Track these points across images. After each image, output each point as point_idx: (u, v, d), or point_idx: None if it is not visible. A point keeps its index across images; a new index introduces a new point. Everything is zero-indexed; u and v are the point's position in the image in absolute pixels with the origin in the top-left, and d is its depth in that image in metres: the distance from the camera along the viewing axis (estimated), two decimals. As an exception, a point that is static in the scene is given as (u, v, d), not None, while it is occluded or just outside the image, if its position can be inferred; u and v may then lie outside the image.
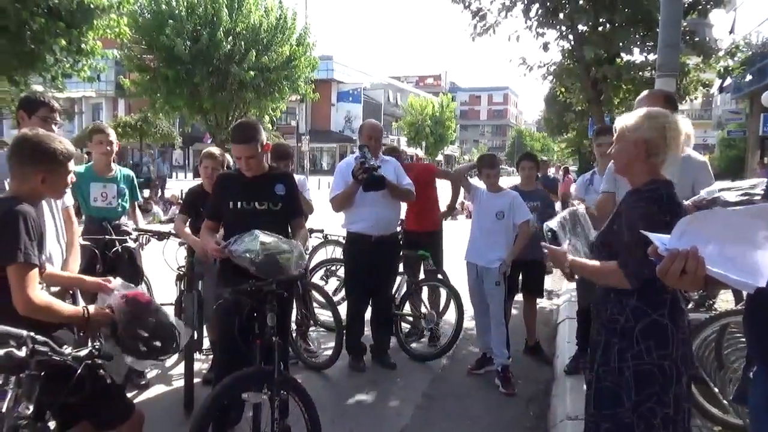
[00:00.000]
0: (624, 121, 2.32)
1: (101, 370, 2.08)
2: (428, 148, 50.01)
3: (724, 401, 3.74)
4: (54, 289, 2.42)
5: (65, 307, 2.18)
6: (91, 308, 2.22)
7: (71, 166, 2.29)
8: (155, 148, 34.26)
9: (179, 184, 23.37)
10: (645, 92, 3.57)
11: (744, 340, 3.86)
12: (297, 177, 5.30)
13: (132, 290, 2.35)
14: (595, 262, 2.30)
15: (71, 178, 2.32)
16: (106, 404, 2.22)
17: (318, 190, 25.54)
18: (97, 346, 1.98)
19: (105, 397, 2.18)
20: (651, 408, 2.18)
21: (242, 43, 21.95)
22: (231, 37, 21.74)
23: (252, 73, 21.74)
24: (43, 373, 1.86)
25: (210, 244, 3.11)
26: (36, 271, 2.06)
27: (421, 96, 57.38)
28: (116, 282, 2.40)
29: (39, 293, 2.05)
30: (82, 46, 12.19)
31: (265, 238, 2.82)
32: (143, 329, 2.23)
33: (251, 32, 22.36)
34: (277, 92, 23.96)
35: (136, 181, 4.69)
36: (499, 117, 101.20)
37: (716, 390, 3.84)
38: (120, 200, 4.42)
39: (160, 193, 20.06)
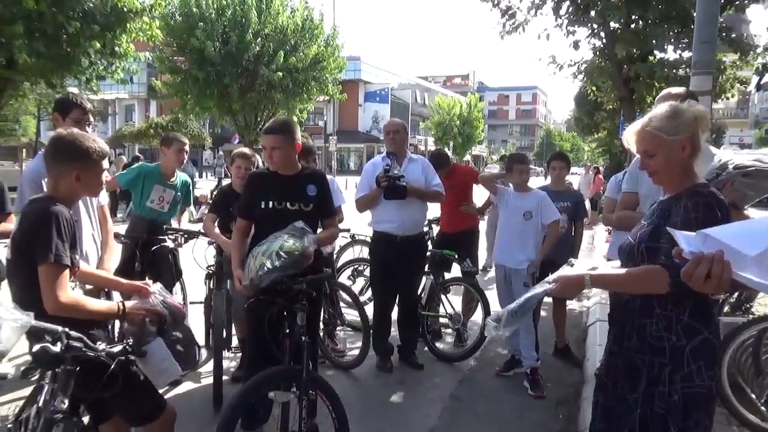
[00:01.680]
0: (654, 125, 2.07)
1: (134, 367, 2.12)
2: (456, 148, 49.70)
3: (762, 408, 3.63)
4: (88, 286, 2.47)
5: (97, 303, 2.22)
6: (129, 304, 2.25)
7: (105, 164, 2.33)
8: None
9: (209, 184, 23.70)
10: (664, 91, 3.43)
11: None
12: (330, 180, 5.35)
13: (170, 298, 2.39)
14: (623, 270, 2.11)
15: (106, 176, 2.36)
16: (138, 400, 2.25)
17: (345, 189, 25.77)
18: (130, 343, 2.01)
19: (137, 393, 2.21)
20: (689, 428, 2.00)
21: (270, 44, 22.14)
22: (259, 39, 21.96)
23: (280, 74, 21.92)
24: (77, 369, 1.89)
25: (237, 272, 3.07)
26: (66, 271, 2.10)
27: (448, 96, 57.15)
28: (155, 286, 2.44)
29: (67, 293, 2.09)
30: (116, 48, 12.47)
31: (265, 248, 2.85)
32: (179, 332, 2.28)
33: (279, 33, 22.55)
34: (305, 93, 24.13)
35: (192, 187, 4.81)
36: (528, 117, 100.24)
37: (754, 396, 3.74)
38: (173, 206, 4.52)
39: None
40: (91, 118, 3.43)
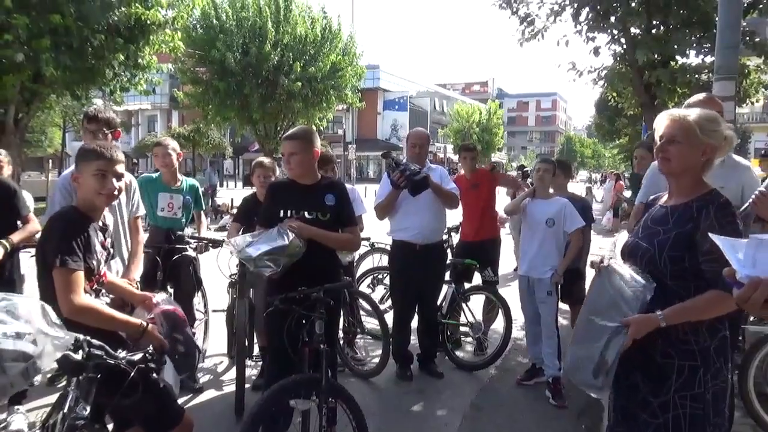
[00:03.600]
0: (693, 119, 2.07)
1: (153, 375, 2.14)
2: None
3: (791, 419, 3.55)
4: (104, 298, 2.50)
5: (117, 314, 2.27)
6: (151, 326, 2.29)
7: (120, 169, 2.37)
8: (207, 158, 35.25)
9: (230, 193, 23.93)
10: (702, 96, 3.41)
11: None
12: (351, 189, 5.38)
13: (172, 306, 2.42)
14: (690, 301, 1.99)
15: (120, 184, 2.39)
16: (156, 408, 2.27)
17: (364, 197, 25.66)
18: (150, 351, 2.04)
19: (157, 401, 2.23)
20: (719, 424, 2.07)
21: (290, 54, 22.39)
22: (278, 49, 22.22)
23: (299, 83, 22.13)
24: (99, 376, 1.92)
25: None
26: (77, 275, 2.17)
27: (467, 103, 57.08)
28: (159, 296, 2.48)
29: (80, 297, 2.15)
30: (139, 60, 12.67)
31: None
32: (179, 335, 2.31)
33: (298, 43, 22.79)
34: (324, 102, 24.32)
35: (200, 191, 4.85)
36: (548, 123, 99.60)
37: (782, 407, 3.66)
38: (184, 211, 4.56)
39: (210, 202, 20.58)
40: (106, 129, 3.50)
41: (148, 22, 12.05)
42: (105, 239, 2.45)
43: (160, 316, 2.33)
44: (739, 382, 3.62)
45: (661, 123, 2.14)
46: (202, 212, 4.91)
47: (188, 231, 4.70)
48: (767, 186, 2.79)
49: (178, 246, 4.41)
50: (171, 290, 4.39)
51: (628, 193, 18.70)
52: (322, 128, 28.88)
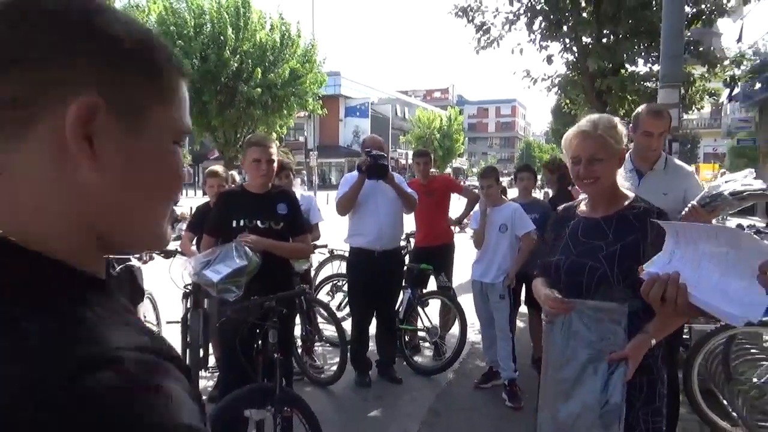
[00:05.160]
0: (602, 131, 2.01)
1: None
2: (436, 161, 50.01)
3: (733, 413, 3.70)
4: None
5: None
6: None
7: None
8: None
9: (189, 202, 23.54)
10: (646, 107, 3.42)
11: (753, 351, 3.85)
12: (306, 196, 5.37)
13: None
14: (662, 315, 1.79)
15: None
16: None
17: (326, 204, 25.55)
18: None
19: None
20: None
21: (249, 61, 22.24)
22: (238, 56, 22.06)
23: (259, 90, 22.00)
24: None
25: None
26: None
27: (428, 109, 57.59)
28: None
29: None
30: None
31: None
32: None
33: (257, 50, 22.66)
34: (285, 109, 24.22)
35: None
36: (508, 129, 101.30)
37: (725, 402, 3.80)
38: None
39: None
40: None
41: (101, 28, 11.84)
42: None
43: None
44: (684, 378, 3.75)
45: (572, 143, 2.06)
46: None
47: None
48: (699, 200, 2.88)
49: (119, 257, 4.33)
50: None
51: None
52: (282, 135, 28.71)
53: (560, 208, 2.34)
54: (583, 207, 2.20)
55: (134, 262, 4.40)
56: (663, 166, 3.32)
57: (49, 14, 0.55)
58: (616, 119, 2.11)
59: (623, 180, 2.14)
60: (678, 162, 3.56)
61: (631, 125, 3.35)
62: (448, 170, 55.52)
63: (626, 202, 2.09)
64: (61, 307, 0.51)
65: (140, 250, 0.75)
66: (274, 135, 25.34)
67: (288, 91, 23.68)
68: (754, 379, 3.46)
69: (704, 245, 1.37)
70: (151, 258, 4.55)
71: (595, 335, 1.92)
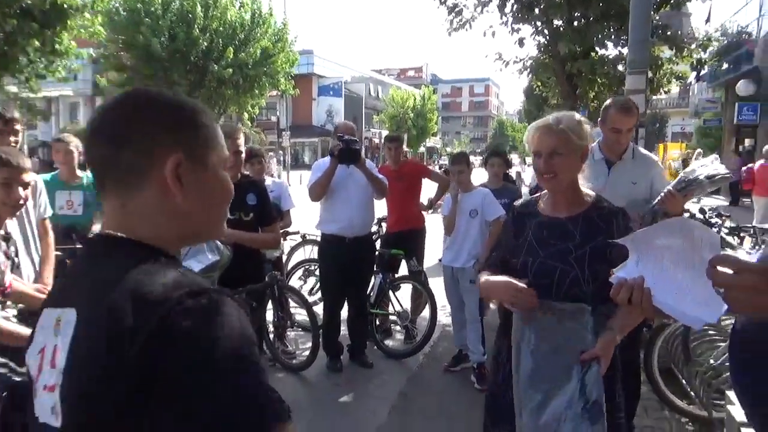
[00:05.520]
0: (565, 125, 2.01)
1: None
2: (410, 140, 50.01)
3: (691, 392, 3.84)
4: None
5: (12, 328, 2.12)
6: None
7: (26, 178, 2.29)
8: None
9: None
10: (615, 102, 3.42)
11: (711, 333, 3.99)
12: (278, 182, 5.33)
13: None
14: (625, 308, 1.75)
15: (26, 193, 2.31)
16: None
17: (300, 185, 25.32)
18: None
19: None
20: None
21: (219, 40, 21.83)
22: (208, 34, 21.62)
23: (230, 70, 21.63)
24: (5, 394, 1.87)
25: None
26: None
27: (402, 89, 57.33)
28: None
29: None
30: (56, 46, 12.03)
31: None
32: None
33: (228, 29, 22.24)
34: (256, 88, 23.88)
35: None
36: (481, 108, 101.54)
37: (683, 382, 3.94)
38: (86, 208, 4.42)
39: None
40: (18, 127, 3.36)
41: (65, 5, 11.44)
42: (8, 248, 2.37)
43: None
44: (645, 358, 3.87)
45: (534, 137, 2.06)
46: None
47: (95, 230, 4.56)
48: (675, 185, 3.00)
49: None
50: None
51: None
52: (254, 115, 28.35)
53: (518, 204, 2.29)
54: (543, 205, 2.17)
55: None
56: (631, 155, 3.41)
57: (144, 107, 0.94)
58: (583, 118, 2.10)
59: (585, 179, 2.13)
60: (644, 151, 3.65)
61: (600, 118, 3.43)
62: (422, 149, 55.62)
63: (589, 202, 2.10)
64: (169, 267, 0.88)
65: (217, 234, 1.08)
66: (246, 115, 25.04)
67: (260, 71, 23.33)
68: (711, 361, 3.58)
69: (663, 241, 1.40)
70: None
71: (562, 337, 1.92)
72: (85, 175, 4.52)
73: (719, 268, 1.04)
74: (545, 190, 2.18)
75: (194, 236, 1.05)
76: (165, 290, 0.82)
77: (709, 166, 3.06)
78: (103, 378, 0.78)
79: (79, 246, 4.25)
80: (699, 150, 20.44)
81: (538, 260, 2.05)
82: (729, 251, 5.24)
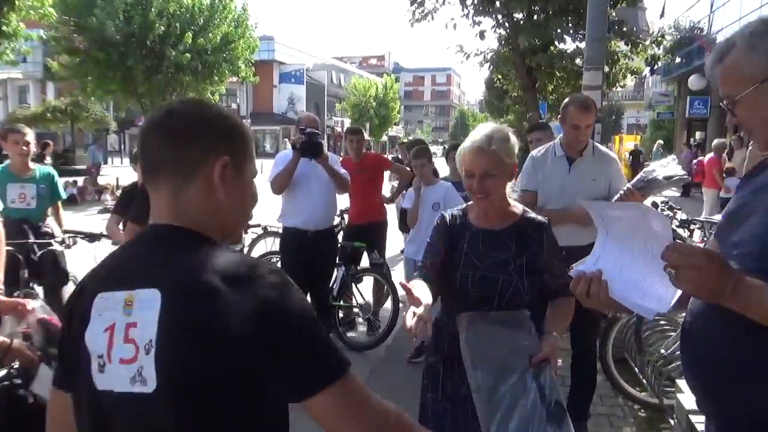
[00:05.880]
0: (496, 147, 2.04)
1: (21, 390, 2.04)
2: (372, 129, 49.93)
3: (643, 380, 3.99)
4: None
5: None
6: (16, 342, 2.13)
7: None
8: (89, 133, 32.88)
9: (116, 171, 22.58)
10: (574, 101, 3.49)
11: (663, 323, 4.14)
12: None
13: (49, 316, 2.29)
14: (559, 309, 2.15)
15: None
16: (27, 426, 2.16)
17: (261, 174, 24.84)
18: (15, 366, 1.94)
19: (28, 418, 2.13)
20: None
21: (177, 24, 21.25)
22: (164, 18, 21.01)
23: (188, 55, 21.11)
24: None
25: None
26: None
27: (364, 77, 57.11)
28: (35, 303, 2.33)
29: None
30: (3, 28, 11.57)
31: None
32: (56, 348, 2.19)
33: (185, 13, 21.68)
34: (216, 75, 23.40)
35: (58, 179, 4.54)
36: (443, 98, 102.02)
37: (636, 370, 4.09)
38: (39, 201, 4.29)
39: (93, 183, 19.34)
40: None
41: (13, -14, 11.00)
42: None
43: (36, 325, 2.19)
44: (599, 348, 4.00)
45: (467, 159, 2.10)
46: (59, 203, 4.59)
47: (55, 226, 4.43)
48: (635, 184, 3.12)
49: (41, 242, 4.16)
50: (38, 288, 4.15)
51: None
52: (214, 102, 27.78)
53: (447, 215, 2.27)
54: (474, 216, 2.21)
55: (56, 246, 4.23)
56: (591, 152, 3.48)
57: (198, 120, 1.12)
58: (510, 131, 2.15)
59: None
60: (604, 149, 3.71)
61: (560, 115, 3.50)
62: (384, 138, 55.60)
63: (518, 213, 2.18)
64: (233, 252, 1.09)
65: (237, 235, 1.24)
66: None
67: (219, 57, 22.84)
68: (662, 350, 3.72)
69: (623, 224, 1.43)
70: (74, 242, 4.39)
71: (508, 345, 1.95)
72: (38, 168, 4.38)
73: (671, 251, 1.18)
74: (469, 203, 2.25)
75: (224, 233, 1.17)
76: (249, 270, 1.03)
77: (667, 166, 3.16)
78: (209, 344, 0.96)
79: (32, 240, 4.13)
80: (660, 141, 21.01)
81: (479, 273, 2.08)
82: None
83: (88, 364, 1.04)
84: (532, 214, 2.20)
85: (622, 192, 3.17)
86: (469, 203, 2.27)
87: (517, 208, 2.20)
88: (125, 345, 1.00)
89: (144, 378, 0.98)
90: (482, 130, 2.13)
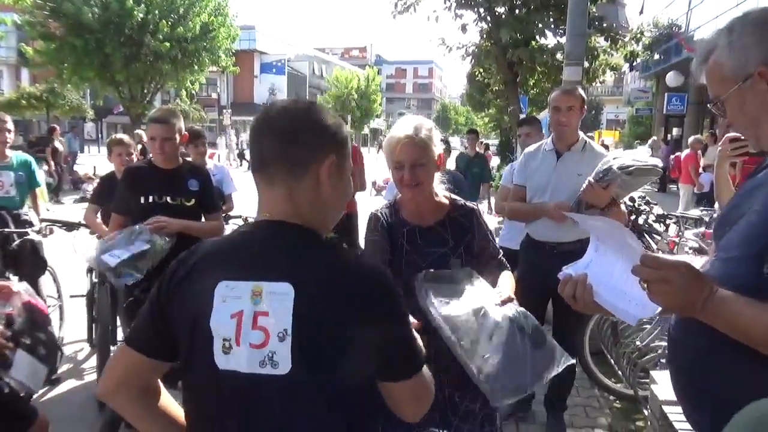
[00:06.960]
0: (425, 135, 2.07)
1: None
2: (354, 122, 49.77)
3: (619, 372, 4.06)
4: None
5: None
6: None
7: None
8: (65, 121, 32.28)
9: (92, 160, 22.22)
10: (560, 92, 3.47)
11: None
12: (219, 166, 5.22)
13: (34, 299, 2.25)
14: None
15: None
16: (4, 416, 2.13)
17: (240, 166, 24.98)
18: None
19: (4, 408, 2.10)
20: None
21: (156, 11, 20.92)
22: (143, 5, 20.67)
23: (168, 44, 20.82)
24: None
25: None
26: None
27: (346, 69, 56.82)
28: (20, 285, 2.28)
29: None
30: (-25, 12, 11.28)
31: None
32: (42, 333, 2.15)
33: (165, 1, 21.35)
34: (195, 64, 23.13)
35: (35, 167, 4.47)
36: (425, 90, 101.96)
37: (612, 362, 4.17)
38: (17, 188, 4.22)
39: (70, 172, 19.01)
40: None
41: (-14, -31, 10.72)
42: None
43: (21, 309, 2.14)
44: (576, 341, 4.05)
45: (396, 149, 2.08)
46: (37, 190, 4.52)
47: (32, 214, 4.36)
48: (596, 176, 2.97)
49: (18, 230, 4.10)
50: (13, 278, 4.08)
51: (496, 160, 19.75)
52: (194, 92, 27.47)
53: (378, 212, 2.22)
54: (405, 213, 2.19)
55: (33, 235, 4.17)
56: (581, 148, 3.36)
57: (311, 121, 1.23)
58: (432, 123, 2.16)
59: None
60: (597, 147, 3.54)
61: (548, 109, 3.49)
62: (366, 131, 55.46)
63: (448, 204, 2.20)
64: (347, 248, 1.27)
65: (325, 231, 1.28)
66: (185, 92, 24.22)
67: (199, 46, 22.58)
68: (638, 342, 3.79)
69: (609, 233, 1.45)
70: (51, 231, 4.32)
71: (470, 295, 1.96)
72: (15, 155, 4.30)
73: (641, 266, 1.20)
74: (398, 198, 2.24)
75: (326, 225, 1.28)
76: (370, 263, 1.28)
77: (623, 156, 2.98)
78: (340, 336, 1.11)
79: (12, 230, 4.06)
80: (637, 141, 21.22)
81: (424, 272, 2.04)
82: (657, 237, 5.53)
83: (209, 344, 1.13)
84: (461, 201, 2.23)
85: (584, 185, 3.01)
86: (397, 198, 2.24)
87: (446, 197, 2.21)
88: (253, 331, 1.12)
89: (275, 362, 1.10)
90: (407, 121, 2.12)
